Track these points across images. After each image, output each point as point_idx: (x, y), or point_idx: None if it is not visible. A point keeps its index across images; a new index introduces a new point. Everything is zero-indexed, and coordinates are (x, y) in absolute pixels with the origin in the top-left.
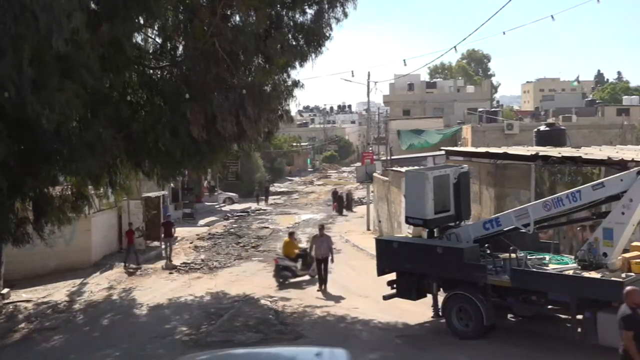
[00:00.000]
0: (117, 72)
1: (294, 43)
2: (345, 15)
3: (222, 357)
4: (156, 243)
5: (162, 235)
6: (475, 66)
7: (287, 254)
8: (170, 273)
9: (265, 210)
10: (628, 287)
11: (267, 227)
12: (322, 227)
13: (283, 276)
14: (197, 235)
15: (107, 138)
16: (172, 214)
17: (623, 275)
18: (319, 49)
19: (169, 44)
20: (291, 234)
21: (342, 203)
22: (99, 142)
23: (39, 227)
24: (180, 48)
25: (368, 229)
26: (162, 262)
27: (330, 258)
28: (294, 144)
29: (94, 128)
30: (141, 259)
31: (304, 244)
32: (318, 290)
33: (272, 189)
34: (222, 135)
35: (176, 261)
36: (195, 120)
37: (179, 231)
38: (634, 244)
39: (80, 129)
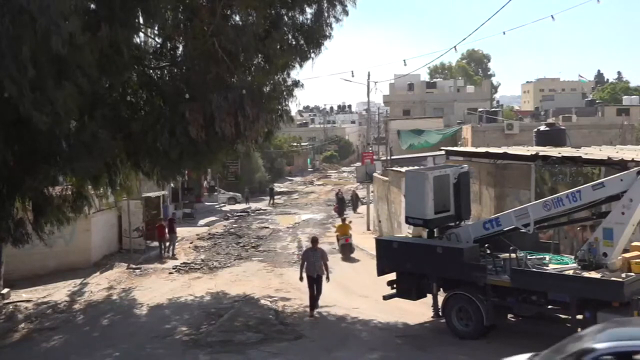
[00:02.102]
0: (116, 73)
1: (293, 43)
2: (346, 13)
3: None
4: (156, 243)
5: (166, 232)
6: (475, 66)
7: (344, 234)
8: (170, 273)
9: (265, 210)
10: None
11: (267, 227)
12: (315, 240)
13: (351, 250)
14: (197, 235)
15: (104, 139)
16: (170, 214)
17: (623, 275)
18: (319, 48)
19: (169, 44)
20: (344, 219)
21: (343, 205)
22: (95, 142)
23: (39, 227)
24: (180, 48)
25: (368, 229)
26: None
27: (325, 276)
28: (294, 144)
29: (89, 129)
30: (141, 259)
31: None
32: (310, 317)
33: None
34: (221, 135)
35: (176, 261)
36: (194, 121)
37: (179, 231)
38: (634, 244)
39: (78, 130)
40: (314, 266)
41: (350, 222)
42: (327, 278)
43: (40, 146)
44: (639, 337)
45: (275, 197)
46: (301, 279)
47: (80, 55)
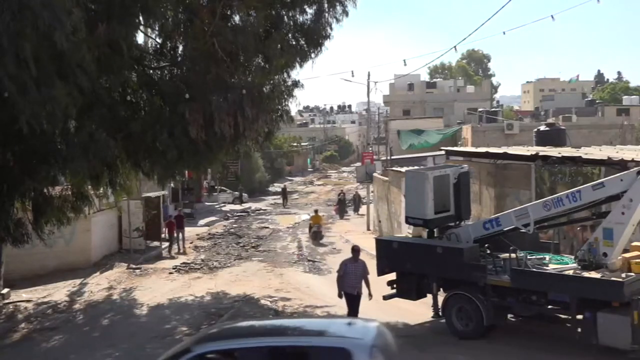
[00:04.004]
0: (116, 73)
1: (294, 43)
2: (346, 14)
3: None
4: (156, 243)
5: (175, 227)
6: (475, 66)
7: (317, 223)
8: (171, 273)
9: (265, 210)
10: None
11: (267, 227)
12: (356, 250)
13: (321, 237)
14: (197, 235)
15: (101, 139)
16: (172, 213)
17: (623, 275)
18: (319, 48)
19: (169, 44)
20: (316, 211)
21: (343, 206)
22: (92, 143)
23: (38, 228)
24: (180, 48)
25: (368, 229)
26: (163, 261)
27: (368, 292)
28: (294, 144)
29: (85, 129)
30: (141, 259)
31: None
32: None
33: (271, 188)
34: (220, 135)
35: (176, 261)
36: (194, 121)
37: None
38: (634, 244)
39: (76, 130)
40: (355, 282)
41: (323, 215)
42: (370, 295)
43: (39, 146)
44: (235, 336)
45: (275, 197)
46: (340, 295)
47: (79, 53)
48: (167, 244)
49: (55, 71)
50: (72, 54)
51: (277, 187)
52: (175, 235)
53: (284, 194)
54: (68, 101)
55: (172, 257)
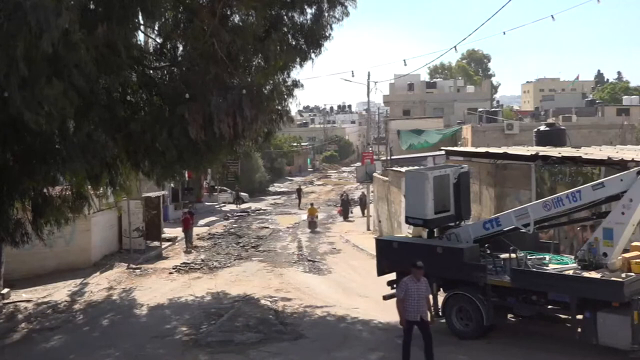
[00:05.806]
0: (115, 73)
1: (293, 43)
2: (346, 14)
3: None
4: (156, 243)
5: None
6: (475, 66)
7: (312, 214)
8: (170, 273)
9: (265, 210)
10: None
11: (267, 227)
12: (419, 267)
13: (315, 225)
14: (197, 235)
15: (99, 139)
16: (172, 214)
17: (623, 275)
18: (319, 49)
19: (168, 44)
20: (312, 204)
21: (347, 207)
22: (90, 143)
23: (38, 228)
24: (180, 48)
25: (368, 229)
26: (164, 260)
27: (430, 316)
28: (294, 144)
29: (83, 129)
30: (141, 259)
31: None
32: None
33: (272, 188)
34: (219, 136)
35: (176, 261)
36: (193, 121)
37: (179, 232)
38: (634, 244)
39: (74, 130)
40: (418, 305)
41: (318, 207)
42: (432, 319)
43: (38, 146)
44: None
45: (275, 197)
46: (402, 323)
47: (75, 53)
48: (168, 243)
49: (51, 71)
50: (67, 54)
51: (277, 187)
52: (189, 230)
53: (299, 194)
54: (64, 101)
55: (189, 252)
